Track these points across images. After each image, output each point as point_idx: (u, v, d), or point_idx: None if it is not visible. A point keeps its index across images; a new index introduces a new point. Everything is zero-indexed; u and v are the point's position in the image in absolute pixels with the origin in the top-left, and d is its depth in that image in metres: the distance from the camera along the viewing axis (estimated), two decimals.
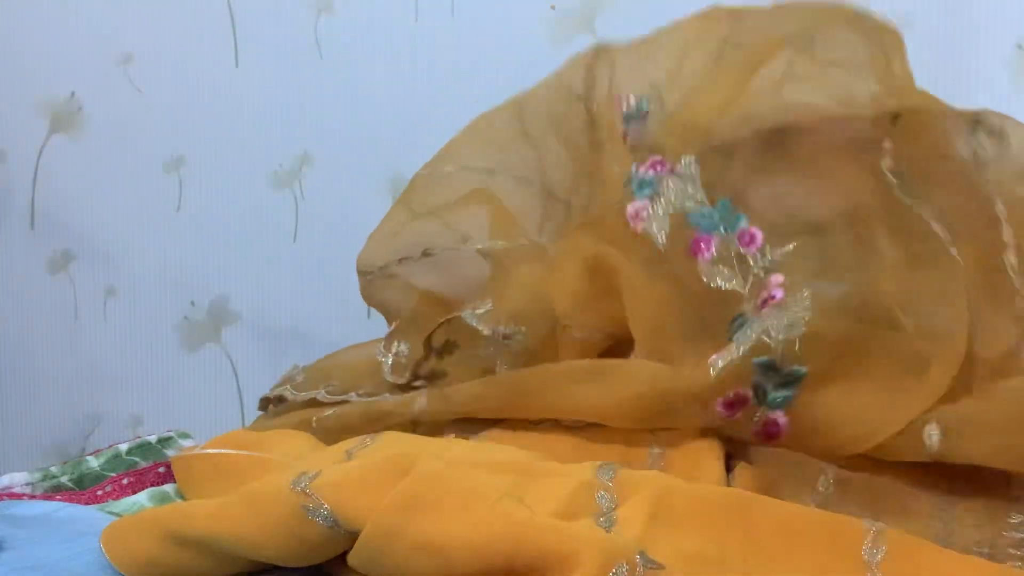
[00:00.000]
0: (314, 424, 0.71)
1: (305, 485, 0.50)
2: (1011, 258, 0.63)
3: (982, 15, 1.15)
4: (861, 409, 0.60)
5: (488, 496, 0.48)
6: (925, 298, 0.62)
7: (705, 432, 0.64)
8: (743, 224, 0.66)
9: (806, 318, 0.61)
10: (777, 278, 0.64)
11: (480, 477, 0.51)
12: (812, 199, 0.66)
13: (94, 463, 0.73)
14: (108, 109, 1.38)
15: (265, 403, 0.79)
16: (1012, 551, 0.52)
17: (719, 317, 0.65)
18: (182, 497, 0.66)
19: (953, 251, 0.63)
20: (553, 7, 1.26)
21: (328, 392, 0.74)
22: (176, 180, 1.38)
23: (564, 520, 0.49)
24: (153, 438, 0.76)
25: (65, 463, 0.73)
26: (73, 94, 1.38)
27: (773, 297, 0.63)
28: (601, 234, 0.71)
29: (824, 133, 0.67)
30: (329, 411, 0.72)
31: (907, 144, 0.65)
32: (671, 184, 0.68)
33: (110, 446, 0.75)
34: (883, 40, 0.69)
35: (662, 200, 0.68)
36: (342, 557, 0.50)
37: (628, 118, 0.74)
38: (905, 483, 0.59)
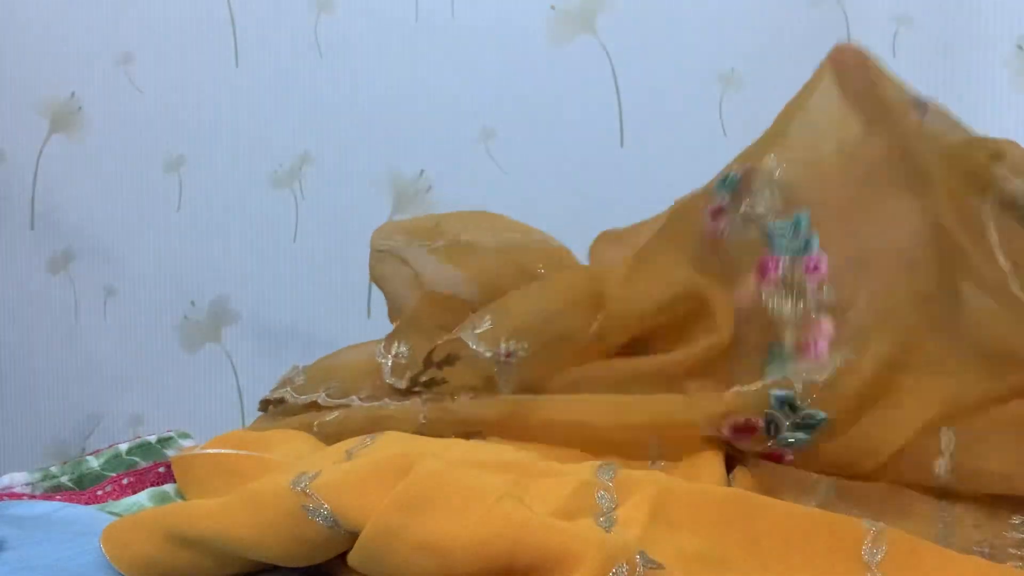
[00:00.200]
0: (315, 429, 0.71)
1: (305, 485, 0.50)
2: None
3: (982, 15, 1.15)
4: (875, 441, 0.59)
5: (488, 496, 0.48)
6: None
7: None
8: (814, 247, 0.63)
9: (839, 365, 0.59)
10: (827, 326, 0.61)
11: (480, 477, 0.51)
12: (895, 230, 0.63)
13: (94, 463, 0.73)
14: (108, 109, 1.38)
15: (265, 405, 0.79)
16: (1013, 551, 0.52)
17: (758, 338, 0.64)
18: (182, 497, 0.66)
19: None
20: (553, 7, 1.26)
21: (328, 395, 0.74)
22: (176, 180, 1.38)
23: (564, 520, 0.49)
24: (153, 438, 0.76)
25: (65, 463, 0.73)
26: (73, 94, 1.38)
27: (817, 345, 0.61)
28: (681, 242, 0.69)
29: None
30: (330, 416, 0.71)
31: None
32: (753, 184, 0.66)
33: (110, 446, 0.75)
34: None
35: (743, 202, 0.66)
36: (342, 557, 0.50)
37: None
38: (905, 484, 0.59)
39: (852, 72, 0.67)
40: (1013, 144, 0.66)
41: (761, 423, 0.60)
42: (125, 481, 0.69)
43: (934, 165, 0.63)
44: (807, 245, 0.63)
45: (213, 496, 0.56)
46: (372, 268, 0.82)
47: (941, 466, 0.57)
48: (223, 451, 0.68)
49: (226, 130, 1.36)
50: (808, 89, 0.69)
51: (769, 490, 0.59)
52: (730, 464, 0.63)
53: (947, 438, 0.58)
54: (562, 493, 0.52)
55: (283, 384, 0.78)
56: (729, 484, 0.60)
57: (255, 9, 1.34)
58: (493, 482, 0.50)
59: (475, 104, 1.30)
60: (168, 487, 0.67)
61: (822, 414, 0.59)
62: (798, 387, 0.59)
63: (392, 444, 0.62)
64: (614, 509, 0.51)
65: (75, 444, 1.45)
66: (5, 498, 0.65)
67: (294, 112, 1.34)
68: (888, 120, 0.65)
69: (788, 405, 0.59)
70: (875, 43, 1.18)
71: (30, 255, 1.42)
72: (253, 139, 1.35)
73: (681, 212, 0.71)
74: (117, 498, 0.66)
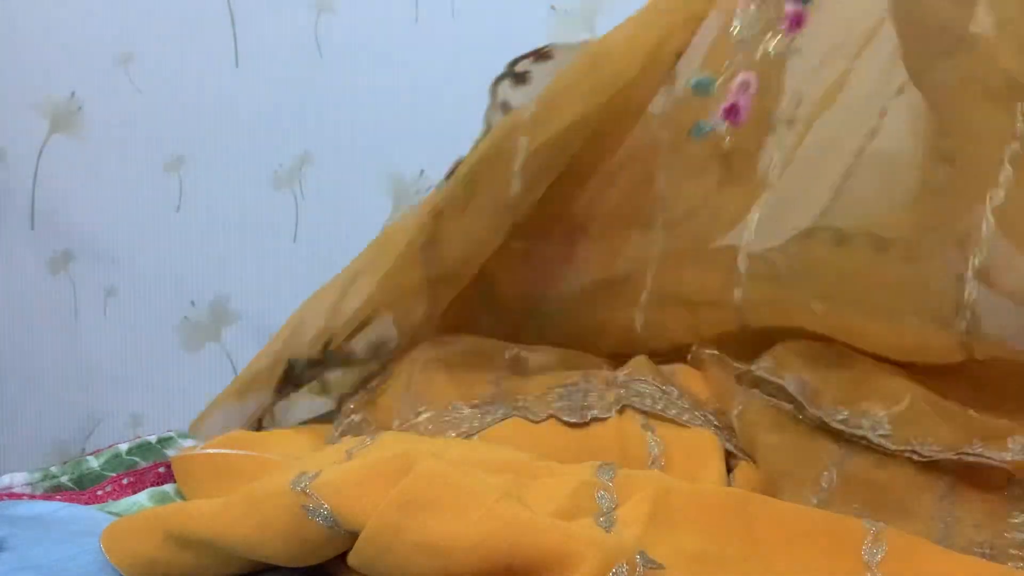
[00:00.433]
0: None
1: (305, 485, 0.50)
2: None
3: None
4: None
5: (488, 496, 0.48)
6: None
7: (705, 430, 0.64)
8: None
9: None
10: None
11: (480, 477, 0.51)
12: None
13: (94, 463, 0.73)
14: (108, 109, 1.38)
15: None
16: (1013, 551, 0.52)
17: None
18: (182, 497, 0.66)
19: None
20: (553, 7, 1.26)
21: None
22: (176, 180, 1.38)
23: (564, 520, 0.49)
24: (153, 438, 0.76)
25: (65, 463, 0.73)
26: (73, 94, 1.38)
27: None
28: None
29: None
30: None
31: None
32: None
33: (110, 446, 0.75)
34: None
35: None
36: (342, 557, 0.50)
37: None
38: (906, 483, 0.59)
39: None
40: None
41: None
42: (125, 481, 0.69)
43: None
44: None
45: (213, 496, 0.57)
46: None
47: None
48: (223, 451, 0.68)
49: (226, 130, 1.35)
50: None
51: (772, 481, 0.59)
52: (730, 464, 0.63)
53: None
54: (562, 493, 0.52)
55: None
56: (729, 483, 0.61)
57: (255, 9, 1.34)
58: (493, 482, 0.50)
59: (475, 104, 1.29)
60: (168, 487, 0.67)
61: None
62: None
63: (392, 444, 0.62)
64: (614, 509, 0.52)
65: (75, 444, 1.45)
66: (5, 498, 0.65)
67: (294, 112, 1.34)
68: None
69: None
70: None
71: (30, 255, 1.42)
72: (253, 139, 1.35)
73: None
74: (117, 498, 0.66)
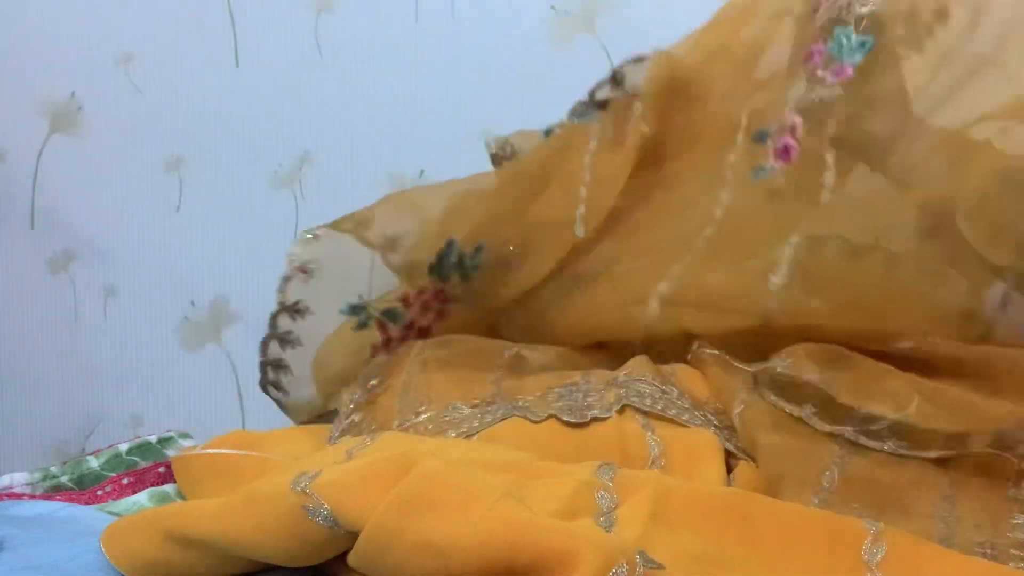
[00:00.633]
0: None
1: (305, 485, 0.50)
2: None
3: None
4: None
5: (488, 496, 0.48)
6: None
7: (705, 430, 0.64)
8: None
9: None
10: None
11: (480, 477, 0.51)
12: None
13: (94, 463, 0.73)
14: (108, 109, 1.38)
15: None
16: (1014, 552, 0.52)
17: None
18: (182, 497, 0.66)
19: None
20: (553, 7, 1.26)
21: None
22: (176, 180, 1.38)
23: (564, 520, 0.49)
24: (153, 438, 0.76)
25: (65, 463, 0.72)
26: (73, 94, 1.38)
27: None
28: None
29: None
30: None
31: None
32: None
33: (110, 446, 0.75)
34: None
35: None
36: (342, 557, 0.50)
37: None
38: (907, 482, 0.59)
39: None
40: None
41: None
42: (125, 481, 0.69)
43: None
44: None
45: (213, 496, 0.57)
46: None
47: None
48: (223, 451, 0.68)
49: (226, 130, 1.35)
50: None
51: (772, 481, 0.59)
52: (730, 464, 0.63)
53: None
54: (562, 493, 0.52)
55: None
56: (729, 483, 0.60)
57: (255, 9, 1.34)
58: (493, 482, 0.50)
59: (475, 104, 1.29)
60: (168, 487, 0.67)
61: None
62: None
63: (392, 444, 0.62)
64: (614, 509, 0.52)
65: (75, 444, 1.45)
66: (5, 498, 0.65)
67: (294, 112, 1.34)
68: None
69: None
70: None
71: (30, 255, 1.42)
72: (253, 139, 1.35)
73: None
74: (117, 498, 0.66)
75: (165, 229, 1.39)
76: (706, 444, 0.63)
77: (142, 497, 0.65)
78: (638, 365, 0.72)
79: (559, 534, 0.45)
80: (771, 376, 0.66)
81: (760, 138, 0.72)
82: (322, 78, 1.32)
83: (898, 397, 0.62)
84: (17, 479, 0.69)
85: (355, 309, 0.83)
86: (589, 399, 0.68)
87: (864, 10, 0.67)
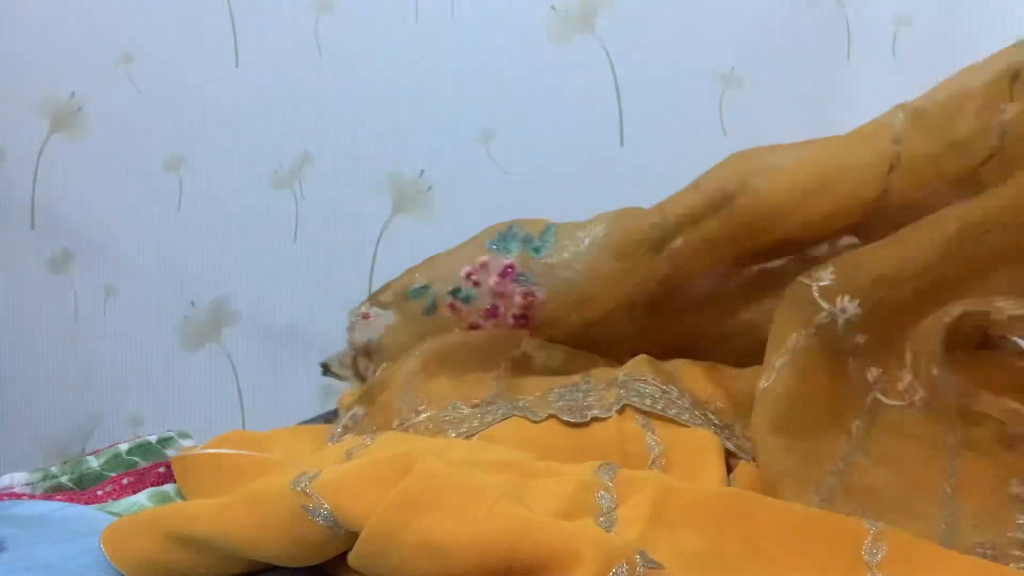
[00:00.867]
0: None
1: (305, 485, 0.50)
2: None
3: (982, 15, 1.15)
4: None
5: (488, 496, 0.48)
6: None
7: (705, 430, 0.64)
8: None
9: None
10: None
11: (480, 477, 0.51)
12: None
13: (94, 463, 0.73)
14: (108, 109, 1.38)
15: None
16: (1016, 552, 0.52)
17: None
18: (182, 497, 0.66)
19: None
20: (553, 7, 1.26)
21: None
22: (176, 180, 1.38)
23: (564, 520, 0.49)
24: (153, 438, 0.76)
25: (65, 463, 0.72)
26: (73, 94, 1.38)
27: None
28: None
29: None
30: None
31: None
32: None
33: (110, 446, 0.75)
34: None
35: None
36: (342, 557, 0.50)
37: None
38: (909, 482, 0.59)
39: None
40: None
41: None
42: (125, 481, 0.69)
43: None
44: None
45: (213, 496, 0.56)
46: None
47: None
48: (223, 451, 0.68)
49: (226, 130, 1.35)
50: None
51: (772, 481, 0.59)
52: (730, 464, 0.63)
53: None
54: (562, 493, 0.52)
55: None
56: (729, 483, 0.60)
57: (255, 9, 1.34)
58: (493, 482, 0.50)
59: (475, 104, 1.29)
60: (168, 487, 0.67)
61: None
62: None
63: (392, 444, 0.62)
64: (614, 509, 0.52)
65: (75, 444, 1.44)
66: (5, 498, 0.65)
67: (294, 112, 1.34)
68: None
69: None
70: (875, 43, 1.19)
71: (30, 255, 1.42)
72: (253, 139, 1.35)
73: None
74: (117, 498, 0.66)
75: (165, 229, 1.39)
76: (706, 444, 0.63)
77: (142, 497, 0.65)
78: (638, 365, 0.72)
79: (559, 534, 0.45)
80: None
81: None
82: (322, 78, 1.32)
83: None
84: (17, 479, 0.69)
85: (418, 292, 0.81)
86: (589, 399, 0.68)
87: None
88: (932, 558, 0.49)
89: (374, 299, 0.83)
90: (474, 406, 0.71)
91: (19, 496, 0.67)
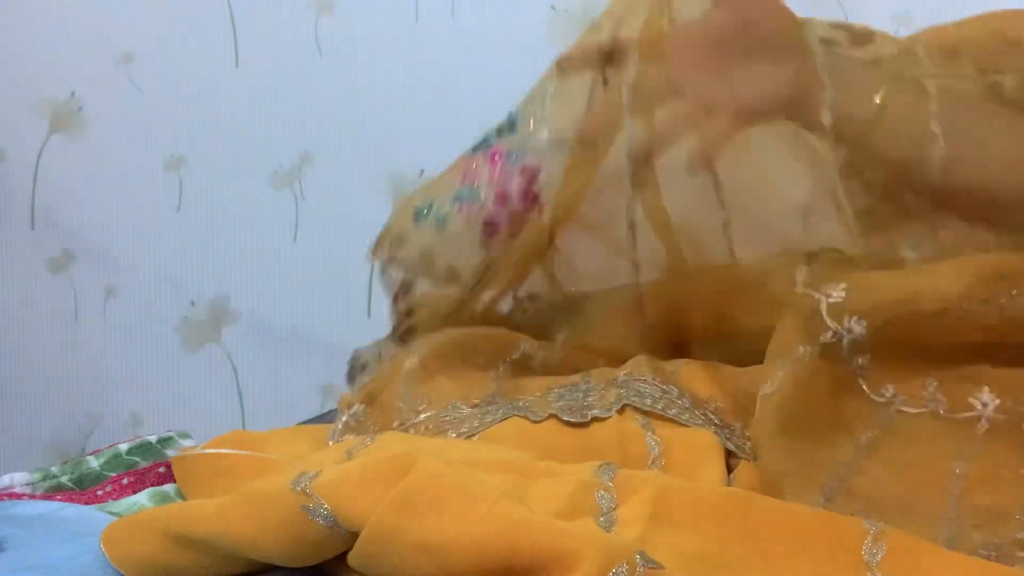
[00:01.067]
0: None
1: (305, 485, 0.50)
2: None
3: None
4: None
5: (488, 496, 0.48)
6: None
7: (705, 430, 0.64)
8: None
9: None
10: None
11: (480, 477, 0.51)
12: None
13: (94, 463, 0.72)
14: (108, 109, 1.38)
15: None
16: (1020, 554, 0.52)
17: None
18: (182, 497, 0.66)
19: None
20: (553, 7, 1.26)
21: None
22: (176, 180, 1.38)
23: (564, 520, 0.49)
24: (153, 438, 0.76)
25: (65, 463, 0.72)
26: (73, 94, 1.38)
27: None
28: None
29: None
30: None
31: None
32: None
33: (110, 446, 0.75)
34: None
35: None
36: (342, 557, 0.50)
37: None
38: (912, 482, 0.59)
39: None
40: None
41: None
42: (125, 481, 0.69)
43: None
44: None
45: (213, 496, 0.56)
46: None
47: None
48: (223, 451, 0.68)
49: (226, 130, 1.36)
50: None
51: (773, 481, 0.58)
52: (730, 464, 0.63)
53: None
54: (562, 493, 0.52)
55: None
56: (730, 483, 0.60)
57: (255, 9, 1.34)
58: (493, 482, 0.50)
59: (475, 104, 1.30)
60: (168, 487, 0.67)
61: None
62: None
63: (392, 444, 0.62)
64: (614, 509, 0.51)
65: (75, 444, 1.45)
66: (5, 498, 0.65)
67: (294, 112, 1.34)
68: None
69: None
70: None
71: (30, 255, 1.42)
72: (253, 139, 1.35)
73: None
74: (117, 498, 0.66)
75: (165, 229, 1.39)
76: (706, 444, 0.63)
77: (142, 497, 0.65)
78: (638, 365, 0.72)
79: (559, 534, 0.45)
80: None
81: None
82: (322, 78, 1.33)
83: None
84: (17, 479, 0.69)
85: (418, 214, 0.78)
86: (589, 399, 0.68)
87: None
88: (933, 558, 0.49)
89: (385, 237, 0.82)
90: (474, 406, 0.71)
91: (19, 496, 0.67)
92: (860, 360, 0.63)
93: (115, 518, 0.58)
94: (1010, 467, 0.58)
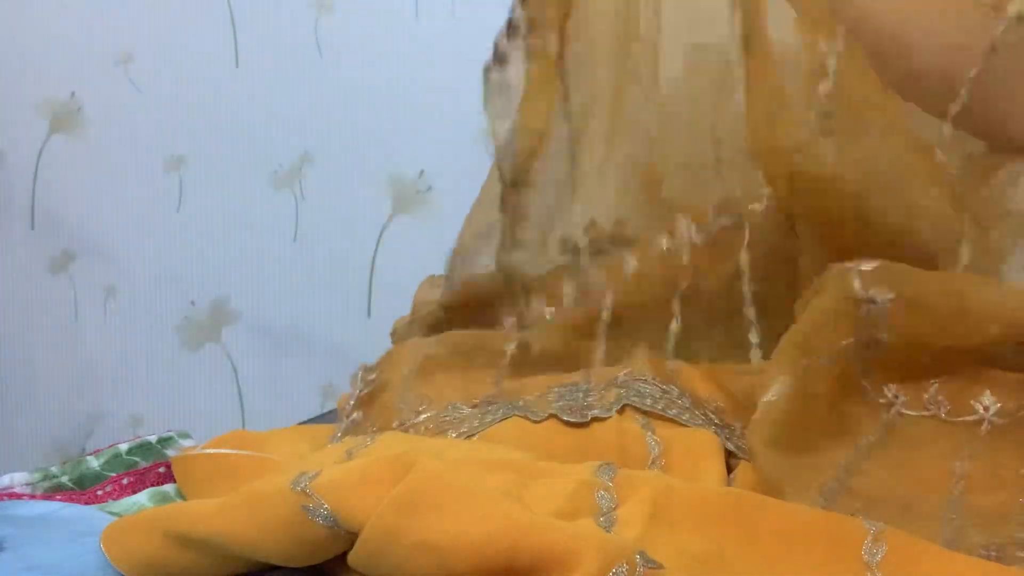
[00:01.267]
0: None
1: (305, 485, 0.50)
2: None
3: None
4: None
5: (488, 496, 0.48)
6: None
7: (705, 430, 0.64)
8: None
9: None
10: None
11: (480, 477, 0.51)
12: None
13: (94, 463, 0.72)
14: (108, 109, 1.38)
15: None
16: (1020, 554, 0.52)
17: None
18: (182, 497, 0.66)
19: None
20: None
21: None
22: (176, 180, 1.38)
23: (564, 520, 0.49)
24: (153, 438, 0.76)
25: (65, 463, 0.72)
26: (73, 94, 1.38)
27: None
28: None
29: None
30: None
31: None
32: None
33: (110, 446, 0.75)
34: None
35: None
36: (342, 557, 0.50)
37: None
38: (914, 485, 0.59)
39: None
40: None
41: None
42: (125, 481, 0.69)
43: None
44: None
45: (213, 496, 0.56)
46: None
47: None
48: (223, 451, 0.68)
49: (226, 130, 1.36)
50: None
51: (773, 481, 0.58)
52: (731, 464, 0.63)
53: None
54: (562, 493, 0.52)
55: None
56: (730, 483, 0.60)
57: (255, 9, 1.34)
58: (493, 482, 0.50)
59: (475, 104, 1.30)
60: (168, 487, 0.67)
61: None
62: None
63: (392, 444, 0.62)
64: (614, 509, 0.52)
65: (75, 444, 1.45)
66: (5, 498, 0.65)
67: (294, 112, 1.34)
68: None
69: None
70: None
71: (30, 255, 1.42)
72: (253, 139, 1.35)
73: None
74: (117, 498, 0.66)
75: (165, 229, 1.39)
76: (706, 444, 0.63)
77: (142, 497, 0.65)
78: (639, 364, 0.72)
79: (559, 534, 0.45)
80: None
81: None
82: (322, 78, 1.33)
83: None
84: (17, 479, 0.69)
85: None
86: (589, 399, 0.68)
87: None
88: (933, 558, 0.49)
89: None
90: (474, 406, 0.71)
91: (19, 496, 0.67)
92: (882, 335, 0.62)
93: (115, 518, 0.58)
94: (1011, 467, 0.58)
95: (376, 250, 1.35)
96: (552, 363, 0.77)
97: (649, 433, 0.64)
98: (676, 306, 0.76)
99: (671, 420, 0.66)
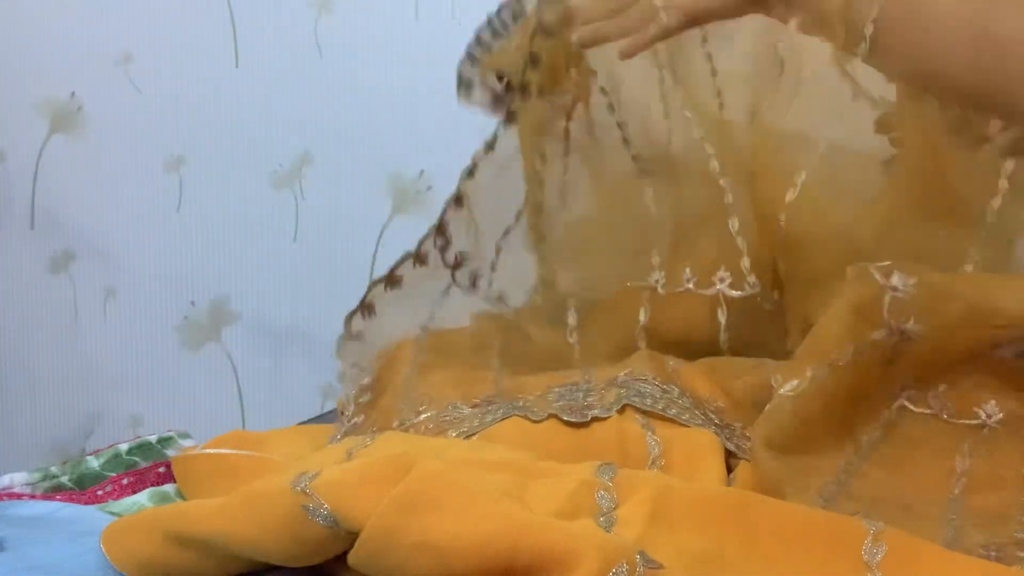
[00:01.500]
0: None
1: (305, 485, 0.50)
2: None
3: None
4: None
5: (488, 496, 0.48)
6: None
7: (705, 430, 0.64)
8: None
9: None
10: None
11: (480, 477, 0.51)
12: None
13: (94, 463, 0.73)
14: (108, 109, 1.38)
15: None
16: (1020, 554, 0.52)
17: None
18: (182, 497, 0.66)
19: None
20: None
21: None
22: (176, 180, 1.38)
23: (564, 520, 0.49)
24: (153, 438, 0.76)
25: (65, 463, 0.72)
26: (73, 94, 1.38)
27: None
28: None
29: None
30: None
31: None
32: None
33: (110, 446, 0.75)
34: None
35: None
36: (342, 557, 0.50)
37: None
38: (914, 485, 0.59)
39: None
40: None
41: None
42: (125, 481, 0.69)
43: None
44: None
45: (213, 496, 0.56)
46: None
47: None
48: (223, 451, 0.68)
49: (226, 130, 1.36)
50: None
51: (773, 481, 0.58)
52: (730, 464, 0.63)
53: None
54: (562, 493, 0.52)
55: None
56: (730, 483, 0.60)
57: (255, 9, 1.34)
58: (493, 482, 0.50)
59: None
60: (168, 487, 0.67)
61: None
62: None
63: (392, 444, 0.62)
64: (614, 509, 0.52)
65: (75, 444, 1.45)
66: (5, 498, 0.65)
67: (294, 112, 1.34)
68: None
69: None
70: None
71: (30, 255, 1.42)
72: (253, 139, 1.35)
73: None
74: (117, 498, 0.66)
75: (165, 229, 1.39)
76: (706, 444, 0.63)
77: (142, 497, 0.65)
78: (639, 364, 0.72)
79: (559, 534, 0.45)
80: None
81: None
82: (322, 78, 1.33)
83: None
84: (17, 479, 0.69)
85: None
86: (589, 398, 0.68)
87: None
88: (933, 558, 0.49)
89: None
90: (474, 406, 0.71)
91: (19, 496, 0.67)
92: (910, 325, 0.61)
93: (115, 518, 0.58)
94: (1011, 467, 0.58)
95: (376, 250, 1.35)
96: (555, 358, 0.77)
97: (649, 433, 0.64)
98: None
99: (671, 420, 0.66)
